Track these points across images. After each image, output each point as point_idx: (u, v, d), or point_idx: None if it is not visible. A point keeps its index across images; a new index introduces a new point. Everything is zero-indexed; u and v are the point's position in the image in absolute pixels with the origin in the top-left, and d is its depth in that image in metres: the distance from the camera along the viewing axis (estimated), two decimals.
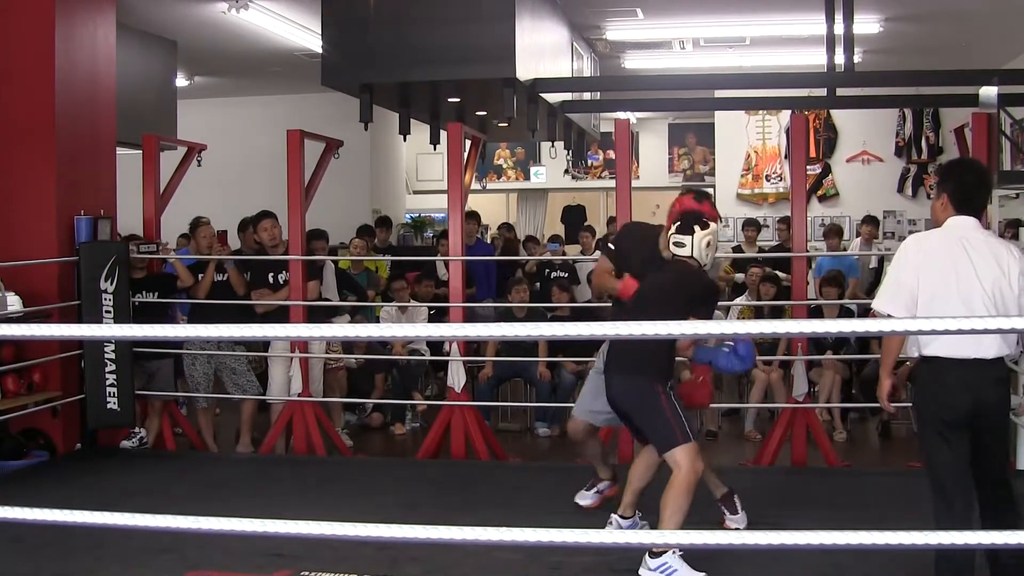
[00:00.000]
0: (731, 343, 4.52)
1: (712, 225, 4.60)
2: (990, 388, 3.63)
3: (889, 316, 3.71)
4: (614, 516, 4.75)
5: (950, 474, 3.63)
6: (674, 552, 4.17)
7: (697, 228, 4.58)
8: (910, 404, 8.03)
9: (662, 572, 4.18)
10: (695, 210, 4.65)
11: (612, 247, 5.06)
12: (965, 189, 3.83)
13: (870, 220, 10.76)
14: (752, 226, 10.54)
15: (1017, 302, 3.60)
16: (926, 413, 3.81)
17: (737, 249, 10.28)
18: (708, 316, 4.54)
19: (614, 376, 4.53)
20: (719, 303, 8.57)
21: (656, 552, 4.19)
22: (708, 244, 4.60)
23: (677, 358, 4.68)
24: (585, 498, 5.29)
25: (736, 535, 1.78)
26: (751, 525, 4.83)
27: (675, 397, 4.43)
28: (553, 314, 8.36)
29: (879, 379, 4.09)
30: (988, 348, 3.58)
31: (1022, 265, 3.64)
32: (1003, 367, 3.72)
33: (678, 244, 4.60)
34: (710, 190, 14.90)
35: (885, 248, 12.54)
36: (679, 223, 4.62)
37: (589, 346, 7.73)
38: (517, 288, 8.21)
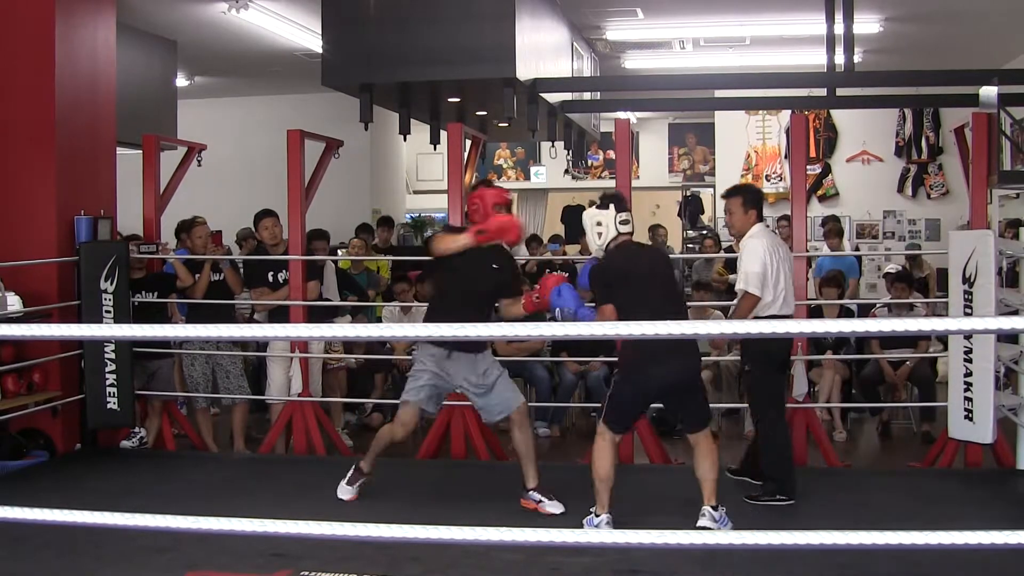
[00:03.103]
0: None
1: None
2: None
3: (747, 293, 5.33)
4: (706, 508, 4.78)
5: (782, 394, 5.64)
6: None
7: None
8: (909, 404, 8.06)
9: (722, 524, 4.67)
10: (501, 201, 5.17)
11: (450, 226, 5.52)
12: (761, 204, 5.67)
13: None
14: None
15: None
16: (770, 353, 5.36)
17: (728, 250, 10.26)
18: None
19: (681, 358, 4.70)
20: (716, 303, 8.57)
21: (716, 504, 4.73)
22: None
23: None
24: (347, 492, 5.46)
25: (736, 535, 1.78)
26: (751, 525, 4.83)
27: None
28: None
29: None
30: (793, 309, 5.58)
31: None
32: None
33: (625, 222, 4.87)
34: (709, 190, 14.93)
35: (885, 248, 12.58)
36: (613, 203, 4.88)
37: (592, 345, 7.73)
38: None
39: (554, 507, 5.22)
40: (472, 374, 5.29)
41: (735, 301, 5.61)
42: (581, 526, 4.77)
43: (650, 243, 5.46)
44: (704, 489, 4.79)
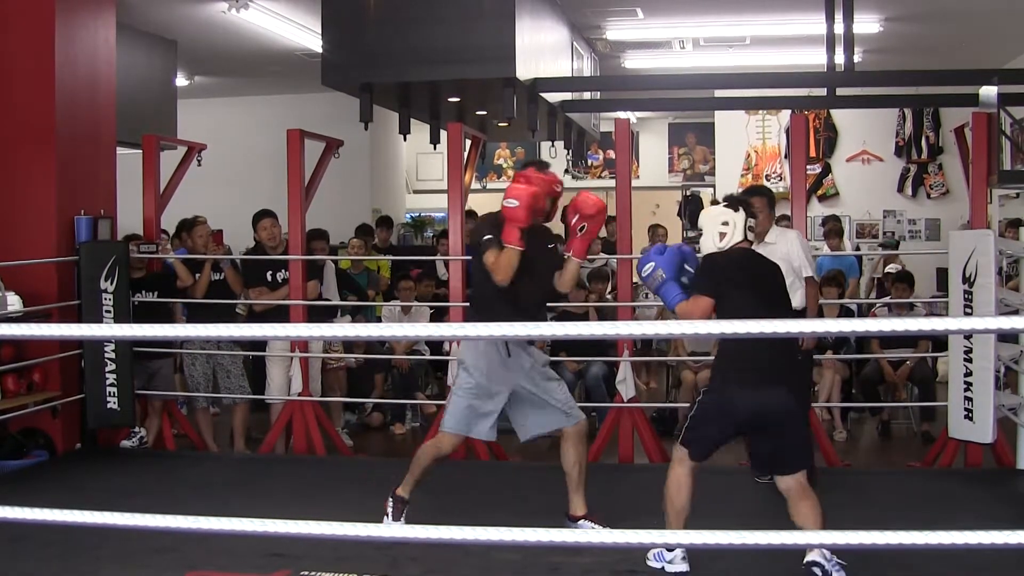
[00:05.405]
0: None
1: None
2: None
3: (814, 279, 5.66)
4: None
5: None
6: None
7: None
8: (909, 404, 8.06)
9: (832, 567, 3.96)
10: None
11: (491, 237, 4.66)
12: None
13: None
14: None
15: None
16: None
17: None
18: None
19: (784, 391, 4.10)
20: None
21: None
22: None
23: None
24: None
25: (736, 535, 1.78)
26: (751, 524, 4.82)
27: None
28: (564, 310, 8.35)
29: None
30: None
31: None
32: None
33: (751, 230, 4.39)
34: (709, 190, 14.95)
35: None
36: (743, 207, 4.40)
37: (590, 345, 7.73)
38: None
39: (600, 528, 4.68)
40: (531, 372, 4.72)
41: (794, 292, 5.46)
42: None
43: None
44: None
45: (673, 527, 4.18)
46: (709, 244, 4.35)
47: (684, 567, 4.25)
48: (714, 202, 4.59)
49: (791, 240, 5.64)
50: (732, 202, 4.43)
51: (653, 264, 4.39)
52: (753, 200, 5.51)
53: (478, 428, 4.76)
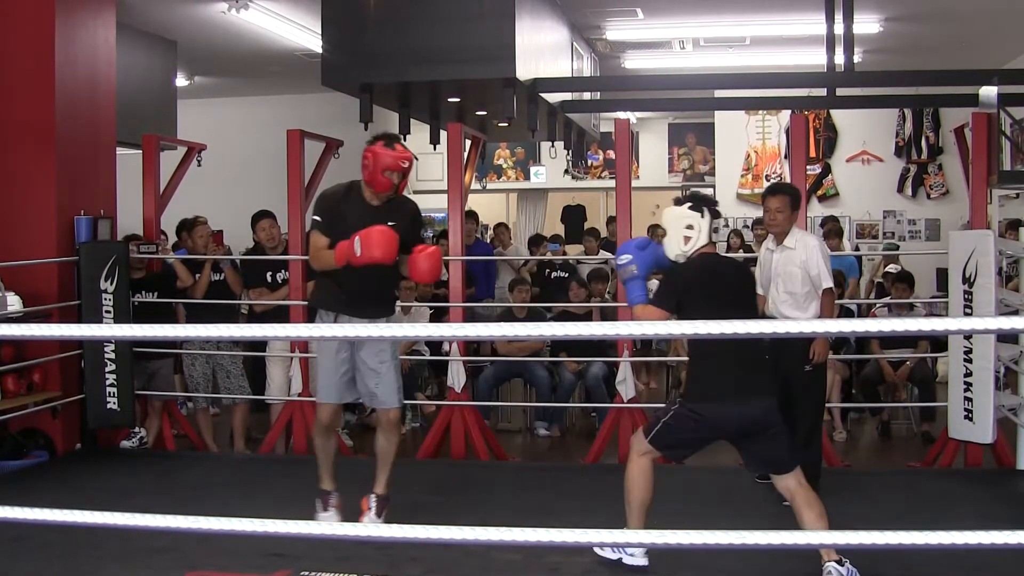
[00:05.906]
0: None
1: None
2: None
3: (831, 289, 5.37)
4: (830, 565, 3.96)
5: None
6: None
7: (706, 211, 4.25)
8: (909, 404, 8.06)
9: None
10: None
11: (319, 219, 4.81)
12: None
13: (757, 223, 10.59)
14: (760, 225, 10.52)
15: None
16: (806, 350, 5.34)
17: (747, 249, 10.27)
18: None
19: (764, 398, 4.08)
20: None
21: (840, 558, 3.92)
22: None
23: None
24: (328, 517, 4.85)
25: (736, 535, 1.78)
26: (750, 525, 4.82)
27: None
28: (564, 310, 8.35)
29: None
30: None
31: None
32: None
33: (715, 231, 4.26)
34: (709, 190, 14.96)
35: (884, 248, 12.57)
36: (707, 208, 4.23)
37: (590, 345, 7.73)
38: (518, 288, 8.22)
39: (369, 519, 4.76)
40: (369, 351, 4.89)
41: (808, 301, 5.39)
42: (573, 526, 4.71)
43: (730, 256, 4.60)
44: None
45: (635, 521, 4.14)
46: (674, 247, 4.25)
47: (644, 561, 4.24)
48: (677, 200, 4.41)
49: (811, 248, 5.39)
50: (696, 203, 4.27)
51: (630, 257, 4.32)
52: (773, 199, 5.41)
53: (337, 388, 4.87)
